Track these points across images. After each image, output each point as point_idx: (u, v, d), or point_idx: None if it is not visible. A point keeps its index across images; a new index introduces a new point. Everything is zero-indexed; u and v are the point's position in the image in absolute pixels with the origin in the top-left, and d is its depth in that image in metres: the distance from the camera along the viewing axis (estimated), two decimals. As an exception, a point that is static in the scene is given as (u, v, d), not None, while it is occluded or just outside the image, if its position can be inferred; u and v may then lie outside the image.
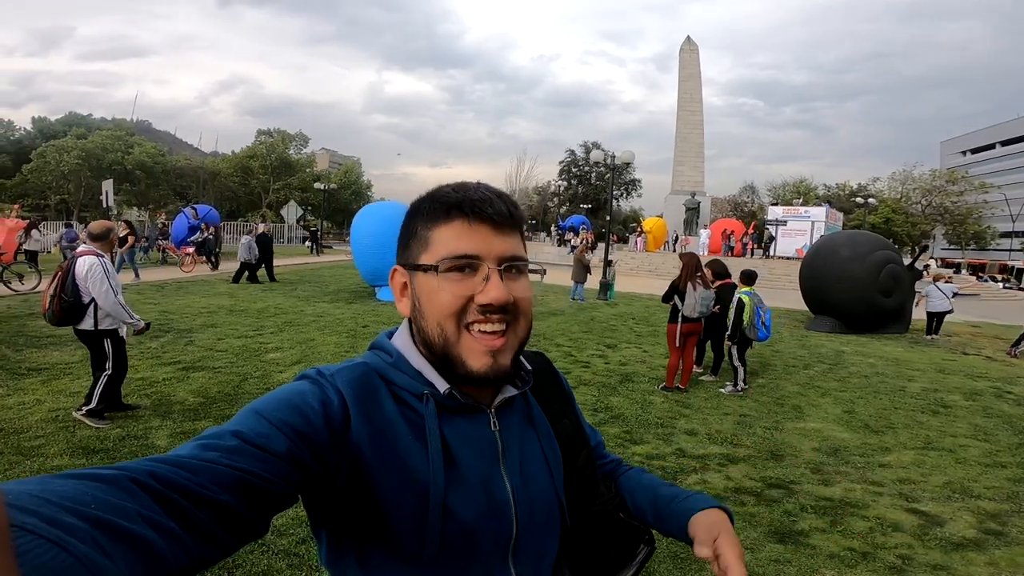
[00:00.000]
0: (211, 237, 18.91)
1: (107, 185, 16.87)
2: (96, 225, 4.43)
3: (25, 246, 15.62)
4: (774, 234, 27.23)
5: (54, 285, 4.13)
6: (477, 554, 0.69)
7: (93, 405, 4.32)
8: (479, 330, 0.69)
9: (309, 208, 44.93)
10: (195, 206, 22.83)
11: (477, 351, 0.69)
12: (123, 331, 4.48)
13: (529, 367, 0.82)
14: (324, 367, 0.71)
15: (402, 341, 0.76)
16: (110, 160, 37.78)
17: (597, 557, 0.86)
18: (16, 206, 23.56)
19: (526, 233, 0.70)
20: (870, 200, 34.25)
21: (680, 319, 5.95)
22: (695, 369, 7.12)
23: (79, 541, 0.35)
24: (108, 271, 4.21)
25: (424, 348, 0.73)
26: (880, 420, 5.57)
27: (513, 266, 0.71)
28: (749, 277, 6.33)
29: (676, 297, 5.97)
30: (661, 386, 6.22)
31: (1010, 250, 46.56)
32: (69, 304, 4.13)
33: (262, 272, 14.97)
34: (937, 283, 12.11)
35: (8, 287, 10.83)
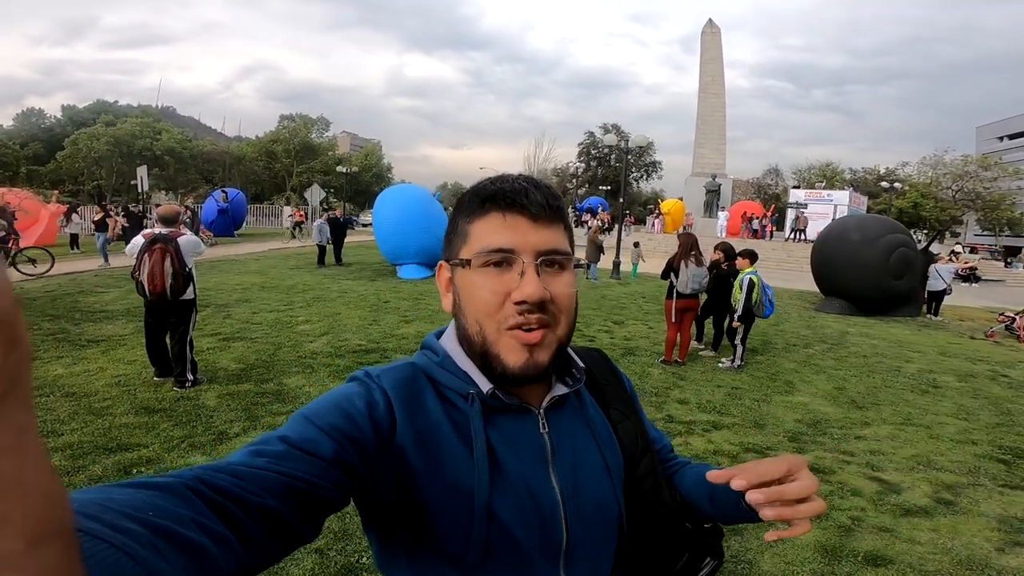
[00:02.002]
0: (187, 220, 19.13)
1: (142, 171, 17.63)
2: (166, 210, 5.03)
3: (66, 229, 16.58)
4: (797, 217, 27.20)
5: (166, 263, 4.66)
6: (524, 560, 0.67)
7: (195, 373, 5.05)
8: (516, 335, 0.67)
9: (331, 191, 45.80)
10: (225, 189, 23.66)
11: (513, 347, 0.67)
12: None
13: (582, 364, 0.79)
14: (372, 368, 0.72)
15: (449, 341, 0.75)
16: (140, 146, 39.06)
17: (656, 568, 0.80)
18: (56, 191, 24.73)
19: None
20: (896, 184, 33.62)
21: (675, 295, 6.35)
22: (696, 345, 7.51)
23: (140, 546, 0.36)
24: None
25: (466, 346, 0.72)
26: (867, 397, 5.88)
27: (552, 260, 0.69)
28: (752, 256, 6.62)
29: (672, 274, 6.37)
30: (660, 359, 6.65)
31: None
32: (186, 275, 4.78)
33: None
34: (937, 266, 12.31)
35: (21, 272, 10.94)
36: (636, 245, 16.11)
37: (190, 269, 4.85)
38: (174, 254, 4.68)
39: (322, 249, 14.68)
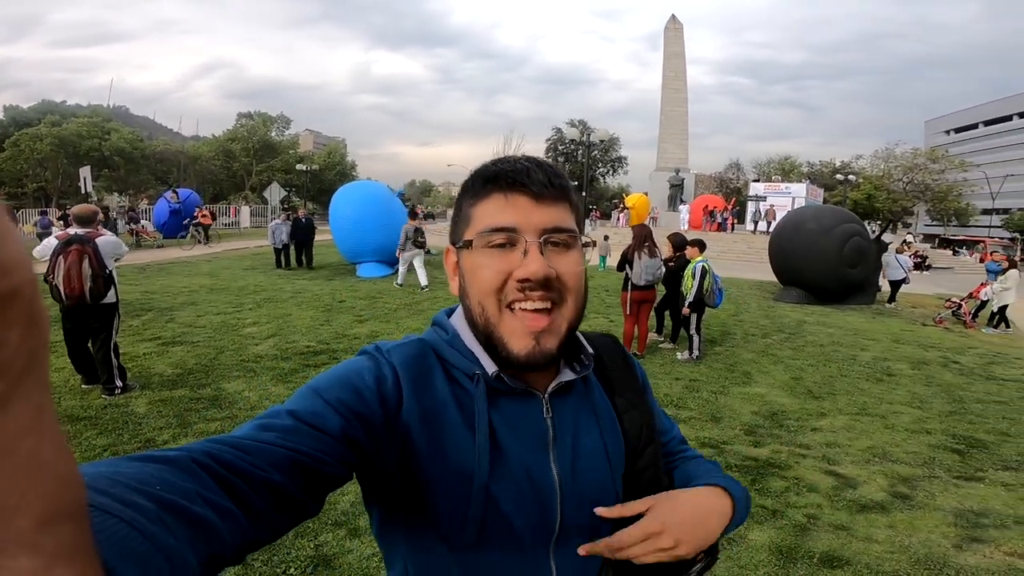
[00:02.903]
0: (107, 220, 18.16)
1: (84, 172, 16.88)
2: (83, 209, 4.66)
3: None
4: (767, 210, 27.76)
5: (83, 266, 4.33)
6: (517, 543, 0.67)
7: (124, 379, 4.74)
8: (520, 308, 0.66)
9: (292, 189, 44.74)
10: (176, 190, 22.79)
11: (519, 332, 0.66)
12: None
13: (591, 351, 0.77)
14: (383, 343, 0.72)
15: (459, 319, 0.75)
16: (87, 147, 37.49)
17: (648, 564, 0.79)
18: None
19: None
20: (851, 177, 34.63)
21: (630, 286, 6.28)
22: (655, 337, 7.46)
23: (148, 520, 0.36)
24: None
25: (471, 328, 0.71)
26: (824, 387, 5.89)
27: (556, 239, 0.68)
28: (700, 245, 6.63)
29: (627, 266, 6.30)
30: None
31: (989, 226, 47.32)
32: (107, 278, 4.46)
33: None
34: (897, 255, 12.67)
35: None
36: (606, 238, 16.90)
37: (111, 271, 4.53)
38: (92, 255, 4.35)
39: (278, 252, 13.63)
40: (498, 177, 0.69)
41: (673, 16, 34.32)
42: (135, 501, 0.37)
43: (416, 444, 0.64)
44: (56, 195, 38.18)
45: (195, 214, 20.00)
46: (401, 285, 10.66)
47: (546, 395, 0.73)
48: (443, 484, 0.65)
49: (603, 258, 16.36)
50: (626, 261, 6.36)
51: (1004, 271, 10.92)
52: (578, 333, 0.76)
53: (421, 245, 10.35)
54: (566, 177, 0.71)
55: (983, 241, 33.08)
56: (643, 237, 6.28)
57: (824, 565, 2.80)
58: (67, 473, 0.23)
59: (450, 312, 0.77)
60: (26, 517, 0.21)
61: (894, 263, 12.51)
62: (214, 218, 21.71)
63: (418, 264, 10.44)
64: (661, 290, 7.04)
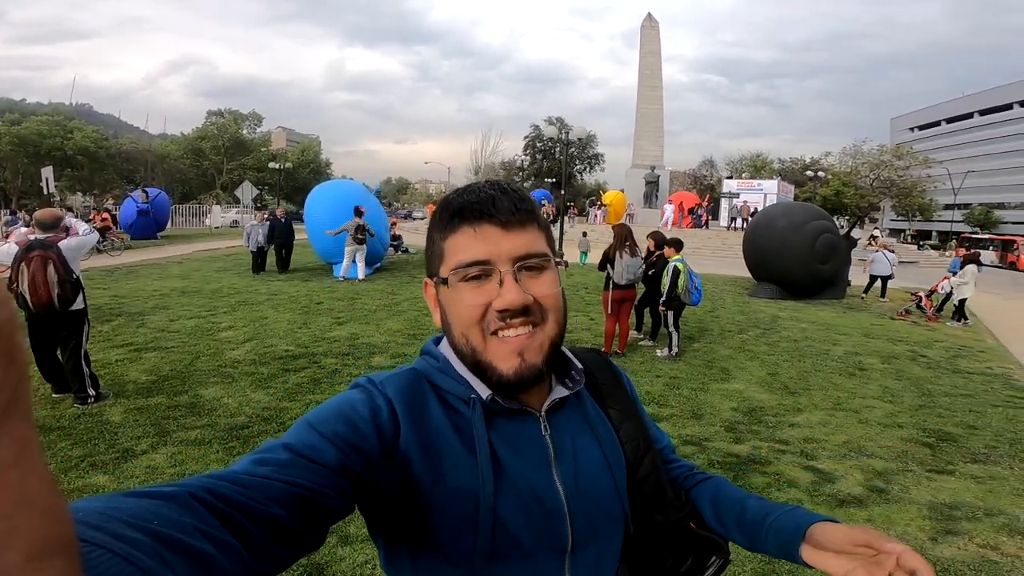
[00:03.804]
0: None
1: (47, 172, 16.34)
2: (45, 214, 4.51)
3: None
4: (741, 206, 28.23)
5: (48, 271, 4.19)
6: (529, 560, 0.68)
7: (97, 388, 4.59)
8: (503, 335, 0.68)
9: (265, 188, 43.94)
10: (146, 189, 22.13)
11: (504, 354, 0.68)
12: None
13: (580, 366, 0.78)
14: (375, 375, 0.72)
15: (447, 347, 0.75)
16: (48, 146, 36.27)
17: (661, 568, 0.81)
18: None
19: None
20: (820, 173, 35.43)
21: (612, 286, 6.33)
22: (636, 334, 7.54)
23: (144, 555, 0.36)
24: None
25: (459, 357, 0.72)
26: (799, 382, 6.02)
27: (530, 264, 0.69)
28: (677, 245, 6.71)
29: (608, 265, 6.34)
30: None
31: (952, 221, 48.90)
32: (74, 283, 4.33)
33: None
34: (884, 251, 13.15)
35: None
36: (584, 235, 17.45)
37: (78, 276, 4.39)
38: (56, 260, 4.22)
39: (254, 255, 12.66)
40: (463, 210, 0.69)
41: (649, 15, 34.61)
42: (130, 535, 0.37)
43: (417, 473, 0.64)
44: (16, 195, 36.88)
45: (91, 217, 18.02)
46: (342, 278, 11.63)
47: (542, 413, 0.73)
48: (448, 509, 0.64)
49: (584, 253, 16.63)
50: (608, 261, 6.40)
51: (962, 266, 11.33)
52: (565, 350, 0.77)
53: (361, 241, 11.42)
54: (531, 199, 0.72)
55: (1015, 241, 32.03)
56: (624, 236, 6.33)
57: (807, 561, 2.86)
58: (54, 507, 0.23)
59: (438, 340, 0.78)
60: (14, 551, 0.21)
61: (881, 259, 13.01)
62: (115, 222, 19.28)
63: (359, 258, 11.64)
64: (640, 288, 7.11)
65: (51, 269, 4.22)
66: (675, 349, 6.63)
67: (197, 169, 45.20)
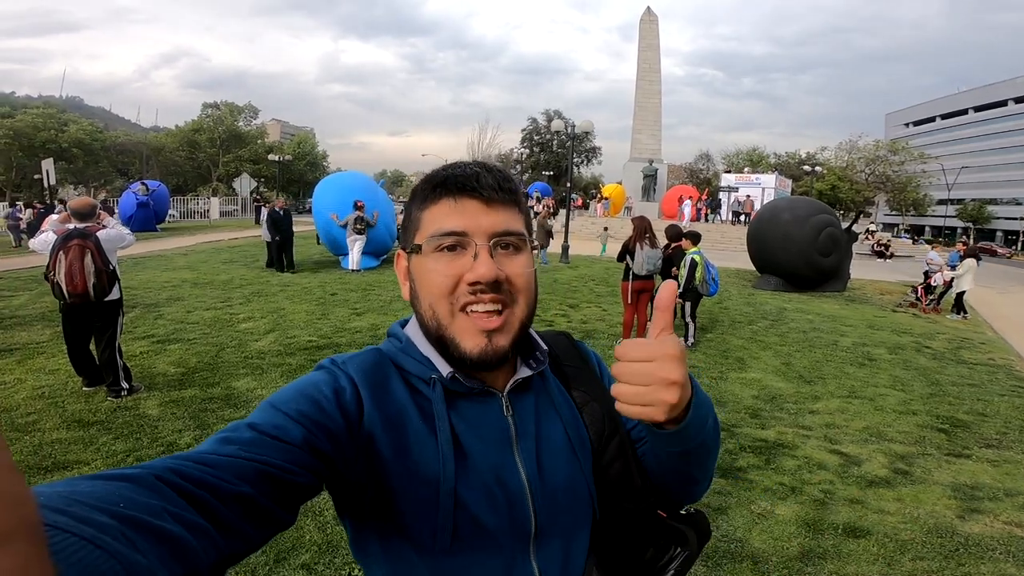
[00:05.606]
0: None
1: (47, 164, 16.21)
2: (81, 203, 4.53)
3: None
4: (743, 200, 28.32)
5: (86, 260, 4.21)
6: (494, 546, 0.67)
7: (131, 380, 4.61)
8: (472, 310, 0.67)
9: (262, 180, 43.76)
10: (145, 181, 21.97)
11: (470, 331, 0.67)
12: None
13: (545, 347, 0.78)
14: (337, 356, 0.72)
15: (412, 328, 0.75)
16: (43, 139, 36.01)
17: (630, 556, 0.78)
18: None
19: None
20: (816, 168, 35.66)
21: (631, 276, 6.45)
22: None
23: (111, 538, 0.35)
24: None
25: (424, 332, 0.72)
26: (813, 371, 6.18)
27: (506, 242, 0.69)
28: (695, 238, 6.82)
29: (627, 256, 6.45)
30: (618, 341, 6.71)
31: (945, 216, 49.49)
32: (110, 273, 4.34)
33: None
34: (931, 253, 12.92)
35: None
36: (606, 229, 18.86)
37: (114, 267, 4.41)
38: (94, 250, 4.24)
39: (269, 247, 12.09)
40: (447, 182, 0.69)
41: (648, 8, 34.53)
42: (96, 519, 0.36)
43: (381, 452, 0.64)
44: (10, 188, 36.54)
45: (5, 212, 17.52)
46: (352, 270, 11.79)
47: (505, 393, 0.73)
48: (410, 490, 0.64)
49: (604, 245, 18.13)
50: (627, 252, 6.51)
51: (962, 259, 11.53)
52: (531, 331, 0.76)
53: (361, 231, 11.59)
54: (516, 182, 0.72)
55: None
56: (643, 228, 6.44)
57: (848, 535, 3.02)
58: (16, 492, 0.22)
59: (404, 323, 0.78)
60: None
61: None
62: (111, 215, 18.93)
63: (356, 249, 11.71)
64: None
65: (88, 259, 4.22)
66: (691, 339, 6.75)
67: (192, 161, 44.95)
